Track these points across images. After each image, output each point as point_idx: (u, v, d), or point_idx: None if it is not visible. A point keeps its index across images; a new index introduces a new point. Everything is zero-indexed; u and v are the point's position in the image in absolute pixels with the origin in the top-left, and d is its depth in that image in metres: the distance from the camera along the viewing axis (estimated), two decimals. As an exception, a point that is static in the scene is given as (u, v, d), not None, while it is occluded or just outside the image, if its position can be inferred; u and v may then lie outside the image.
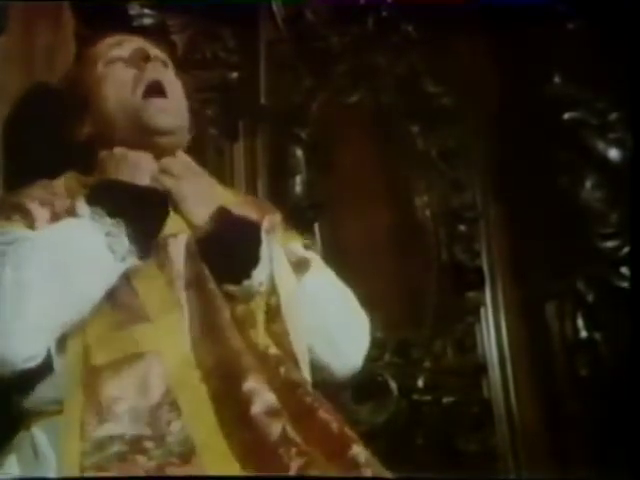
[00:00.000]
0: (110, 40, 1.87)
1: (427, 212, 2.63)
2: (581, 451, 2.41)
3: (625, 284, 2.50)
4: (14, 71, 2.07)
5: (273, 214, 1.82)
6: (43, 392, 1.52)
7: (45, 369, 1.51)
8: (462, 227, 2.63)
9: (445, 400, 2.45)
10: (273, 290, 1.64)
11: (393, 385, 2.41)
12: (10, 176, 2.01)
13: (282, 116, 2.51)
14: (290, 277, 1.71)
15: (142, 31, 2.24)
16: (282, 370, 1.56)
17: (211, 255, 1.62)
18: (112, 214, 1.55)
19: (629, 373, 2.29)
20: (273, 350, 1.59)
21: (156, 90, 1.77)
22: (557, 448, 2.45)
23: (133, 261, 1.56)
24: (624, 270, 2.51)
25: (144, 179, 1.66)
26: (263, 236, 1.67)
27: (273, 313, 1.63)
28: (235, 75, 2.44)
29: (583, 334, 2.52)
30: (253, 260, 1.63)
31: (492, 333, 2.58)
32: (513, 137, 2.65)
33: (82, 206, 1.58)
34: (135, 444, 1.41)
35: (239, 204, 1.77)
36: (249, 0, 2.47)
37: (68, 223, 1.59)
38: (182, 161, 1.77)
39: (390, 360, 2.44)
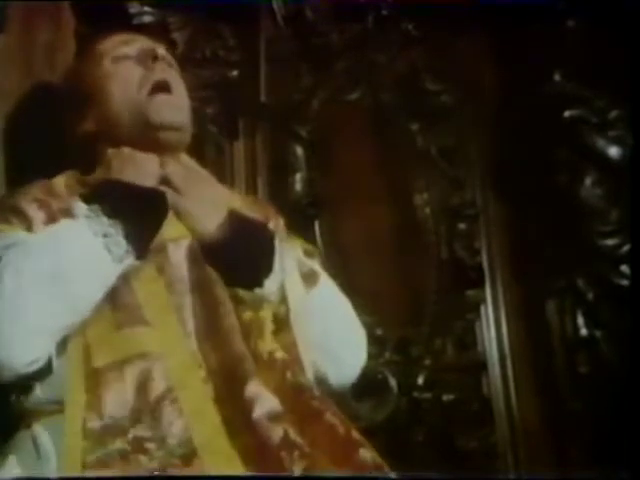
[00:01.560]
0: (117, 38, 1.86)
1: (427, 210, 2.63)
2: (581, 449, 2.41)
3: (625, 282, 2.50)
4: (14, 70, 2.07)
5: (276, 218, 1.82)
6: (44, 392, 1.51)
7: (46, 371, 1.51)
8: (462, 225, 2.63)
9: (445, 398, 2.45)
10: (283, 300, 1.64)
11: (393, 383, 2.41)
12: (12, 174, 2.01)
13: (282, 114, 2.51)
14: (300, 288, 1.70)
15: (142, 29, 2.24)
16: (289, 374, 1.55)
17: (223, 260, 1.61)
18: (109, 214, 1.54)
19: (629, 371, 2.30)
20: (280, 354, 1.58)
21: (162, 88, 1.77)
22: (557, 446, 2.46)
23: (131, 261, 1.55)
24: (624, 268, 2.51)
25: (148, 181, 1.64)
26: (276, 244, 1.67)
27: (281, 322, 1.63)
28: (235, 73, 2.44)
29: (583, 332, 2.52)
30: (266, 269, 1.63)
31: (492, 331, 2.58)
32: (513, 135, 2.65)
33: (78, 205, 1.57)
34: (136, 444, 1.41)
35: (245, 206, 1.76)
36: (250, -1, 2.48)
37: (64, 225, 1.57)
38: (186, 166, 1.75)
39: (390, 358, 2.45)
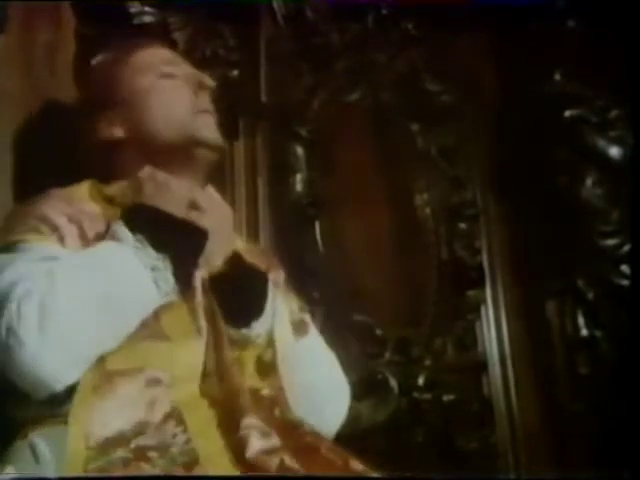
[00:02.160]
0: (163, 54, 1.89)
1: (427, 210, 2.63)
2: (581, 449, 2.41)
3: (626, 282, 2.50)
4: (14, 70, 2.06)
5: (278, 270, 1.82)
6: (49, 403, 1.49)
7: (73, 388, 1.48)
8: (462, 225, 2.63)
9: (445, 398, 2.45)
10: (270, 344, 1.64)
11: (393, 383, 2.40)
12: (21, 180, 2.00)
13: (282, 114, 2.51)
14: (289, 335, 1.72)
15: (142, 29, 2.25)
16: (277, 411, 1.56)
17: (220, 295, 1.60)
18: (156, 246, 1.52)
19: (629, 371, 2.29)
20: (266, 392, 1.60)
21: (205, 113, 1.81)
22: (557, 446, 2.45)
23: (173, 298, 1.55)
24: (625, 268, 2.51)
25: (181, 210, 1.61)
26: (270, 289, 1.68)
27: (267, 366, 1.64)
28: (235, 73, 2.43)
29: (583, 332, 2.52)
30: (256, 311, 1.64)
31: (492, 331, 2.58)
32: (513, 135, 2.66)
33: (123, 232, 1.54)
34: (139, 453, 1.40)
35: (249, 252, 1.76)
36: (250, -1, 2.48)
37: (111, 249, 1.54)
38: (211, 196, 1.73)
39: (390, 358, 2.44)
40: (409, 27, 2.68)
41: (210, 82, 1.85)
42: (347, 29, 2.62)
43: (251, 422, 1.47)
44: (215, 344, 1.58)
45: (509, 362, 2.54)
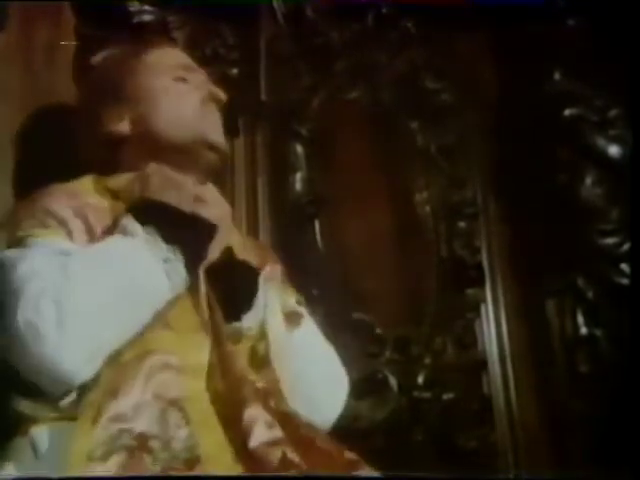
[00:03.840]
0: (180, 57, 1.92)
1: (427, 208, 2.63)
2: (581, 448, 2.41)
3: (625, 281, 2.50)
4: (14, 69, 2.07)
5: (274, 264, 1.84)
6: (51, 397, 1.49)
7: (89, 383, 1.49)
8: (462, 223, 2.63)
9: (445, 397, 2.45)
10: (262, 337, 1.65)
11: (393, 382, 2.40)
12: (23, 175, 2.00)
13: (282, 113, 2.51)
14: (281, 327, 1.73)
15: (142, 28, 2.25)
16: (272, 402, 1.56)
17: (212, 288, 1.62)
18: (166, 239, 1.53)
19: (629, 370, 2.30)
20: (260, 384, 1.59)
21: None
22: (557, 445, 2.45)
23: (182, 290, 1.56)
24: (624, 267, 2.51)
25: (188, 204, 1.61)
26: (260, 283, 1.68)
27: (261, 359, 1.64)
28: (235, 72, 2.44)
29: (583, 331, 2.52)
30: (246, 305, 1.65)
31: (492, 329, 2.57)
32: (513, 133, 2.65)
33: (132, 224, 1.55)
34: (142, 441, 1.41)
35: (245, 248, 1.77)
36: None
37: (121, 241, 1.55)
38: (212, 191, 1.73)
39: (390, 357, 2.44)
40: (409, 26, 2.69)
41: (222, 95, 1.88)
42: (347, 28, 2.63)
43: (255, 413, 1.49)
44: (215, 337, 1.59)
45: (509, 361, 2.54)
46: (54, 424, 1.46)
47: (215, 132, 1.82)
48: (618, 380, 2.36)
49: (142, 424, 1.43)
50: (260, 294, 1.67)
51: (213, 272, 1.63)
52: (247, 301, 1.65)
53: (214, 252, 1.63)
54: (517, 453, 2.46)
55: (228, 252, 1.67)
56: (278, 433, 1.48)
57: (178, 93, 1.82)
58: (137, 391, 1.46)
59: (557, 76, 2.63)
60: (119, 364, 1.49)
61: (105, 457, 1.38)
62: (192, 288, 1.59)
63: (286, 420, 1.53)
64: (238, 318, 1.63)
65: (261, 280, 1.69)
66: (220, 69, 2.39)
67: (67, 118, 1.97)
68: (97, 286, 1.48)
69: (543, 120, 2.61)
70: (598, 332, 2.50)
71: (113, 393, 1.45)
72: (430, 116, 2.69)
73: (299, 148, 2.49)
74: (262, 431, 1.46)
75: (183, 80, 1.84)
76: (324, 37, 2.58)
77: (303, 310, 1.85)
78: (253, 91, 2.49)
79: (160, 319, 1.54)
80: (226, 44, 2.44)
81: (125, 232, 1.55)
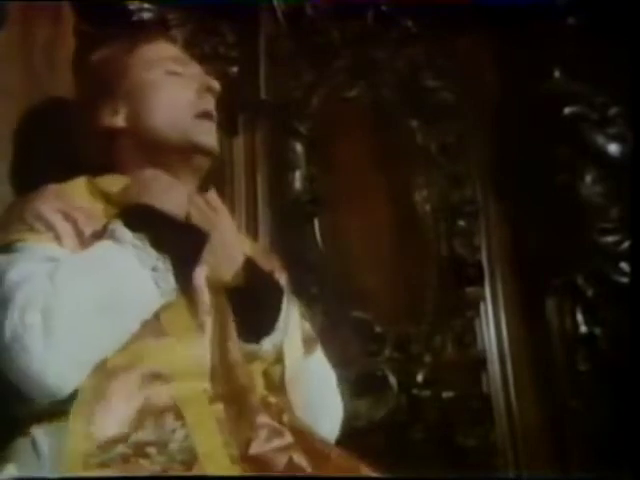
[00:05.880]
0: (172, 51, 1.89)
1: (427, 207, 2.63)
2: (581, 447, 2.41)
3: (625, 279, 2.50)
4: (13, 67, 2.07)
5: (281, 271, 1.81)
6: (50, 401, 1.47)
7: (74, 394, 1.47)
8: (462, 222, 2.63)
9: (445, 395, 2.45)
10: (279, 360, 1.65)
11: (393, 380, 2.41)
12: (21, 173, 2.00)
13: (282, 111, 2.51)
14: (299, 353, 1.71)
15: (142, 26, 2.25)
16: (285, 417, 1.55)
17: (235, 307, 1.60)
18: (156, 246, 1.51)
19: (629, 368, 2.29)
20: (273, 399, 1.59)
21: (208, 117, 1.80)
22: (557, 443, 2.45)
23: (173, 298, 1.54)
24: (624, 265, 2.51)
25: (181, 212, 1.60)
26: (284, 303, 1.67)
27: (274, 383, 1.64)
28: (235, 70, 2.44)
29: (583, 329, 2.52)
30: (269, 327, 1.63)
31: (492, 328, 2.58)
32: (513, 132, 2.65)
33: (121, 230, 1.53)
34: (138, 448, 1.40)
35: (256, 255, 1.75)
36: (250, -3, 2.48)
37: (109, 248, 1.52)
38: (213, 200, 1.72)
39: (390, 355, 2.44)
40: (409, 24, 2.69)
41: (216, 85, 1.84)
42: (347, 26, 2.62)
43: (265, 421, 1.48)
44: (220, 342, 1.57)
45: (508, 359, 2.54)
46: (54, 424, 1.46)
47: (206, 134, 1.78)
48: (618, 378, 2.36)
49: (139, 434, 1.42)
50: (282, 316, 1.66)
51: (236, 289, 1.61)
52: (270, 323, 1.64)
53: (223, 262, 1.63)
54: (516, 451, 2.46)
55: (250, 266, 1.66)
56: (288, 439, 1.47)
57: (170, 87, 1.80)
58: (130, 399, 1.46)
59: (557, 75, 2.63)
60: (111, 372, 1.48)
61: (101, 467, 1.38)
62: (188, 294, 1.57)
63: (301, 435, 1.52)
64: (258, 341, 1.62)
65: (285, 300, 1.68)
66: (220, 67, 2.38)
67: (65, 114, 1.96)
68: (84, 295, 1.47)
69: (543, 118, 2.61)
70: (597, 330, 2.50)
71: (106, 401, 1.45)
72: (430, 115, 2.69)
73: (299, 146, 2.48)
74: (271, 439, 1.46)
75: (176, 74, 1.82)
76: (324, 36, 2.58)
77: (311, 329, 1.83)
78: (253, 89, 2.49)
79: (152, 326, 1.52)
80: (226, 42, 2.44)
81: (113, 237, 1.53)
